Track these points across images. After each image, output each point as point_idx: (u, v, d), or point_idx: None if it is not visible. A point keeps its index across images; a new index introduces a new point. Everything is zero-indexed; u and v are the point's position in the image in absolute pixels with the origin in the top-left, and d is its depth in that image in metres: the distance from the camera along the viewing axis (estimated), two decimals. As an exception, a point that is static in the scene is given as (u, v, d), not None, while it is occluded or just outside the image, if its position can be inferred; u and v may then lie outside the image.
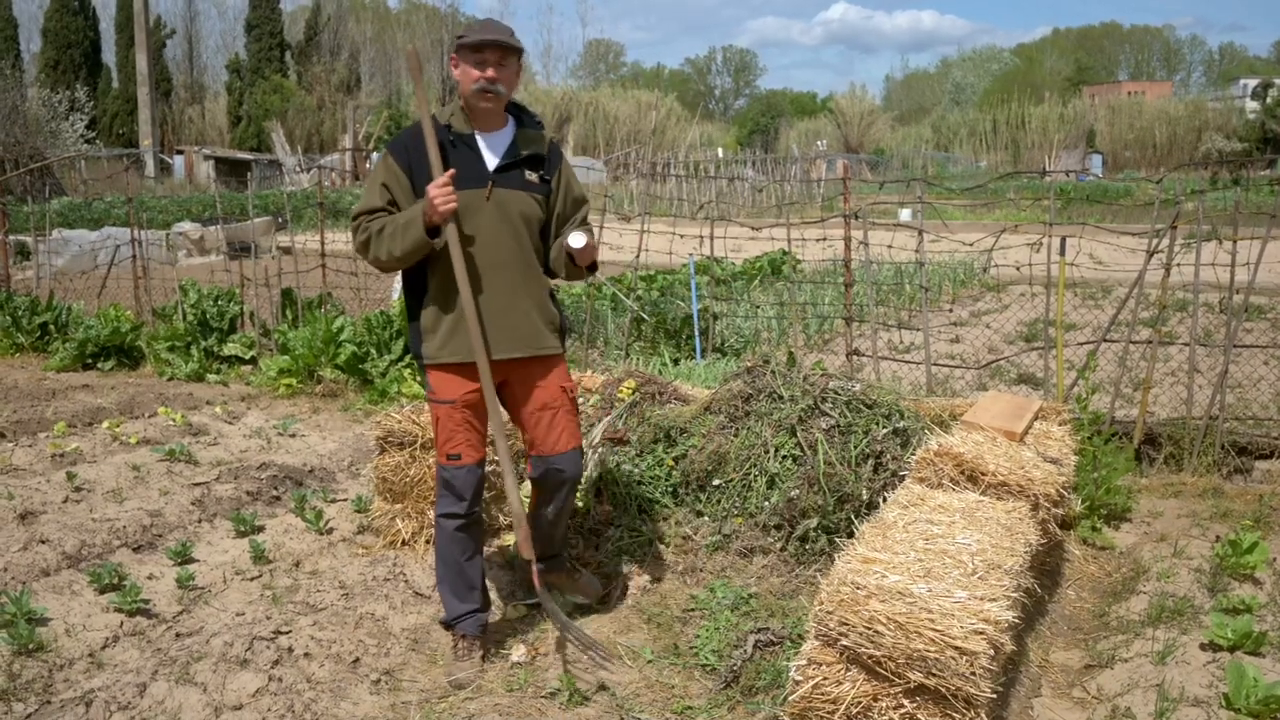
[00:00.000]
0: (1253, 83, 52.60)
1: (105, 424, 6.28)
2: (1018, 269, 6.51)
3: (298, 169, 33.17)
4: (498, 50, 3.25)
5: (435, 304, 3.33)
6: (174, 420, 6.42)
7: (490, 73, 3.24)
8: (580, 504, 4.35)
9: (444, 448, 3.37)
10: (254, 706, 3.17)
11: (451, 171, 3.18)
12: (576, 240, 3.35)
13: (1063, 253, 5.64)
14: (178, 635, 3.64)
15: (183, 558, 4.26)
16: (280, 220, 17.50)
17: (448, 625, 3.53)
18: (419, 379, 3.50)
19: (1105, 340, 6.00)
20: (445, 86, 44.05)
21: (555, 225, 3.49)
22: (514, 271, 3.35)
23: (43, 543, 4.35)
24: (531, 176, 3.39)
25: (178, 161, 39.62)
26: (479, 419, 3.40)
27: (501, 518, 4.49)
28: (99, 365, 8.57)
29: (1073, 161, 42.48)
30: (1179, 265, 5.68)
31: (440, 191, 3.14)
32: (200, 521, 4.76)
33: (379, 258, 3.28)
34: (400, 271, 3.43)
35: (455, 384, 3.32)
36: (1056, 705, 3.23)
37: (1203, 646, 3.35)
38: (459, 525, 3.43)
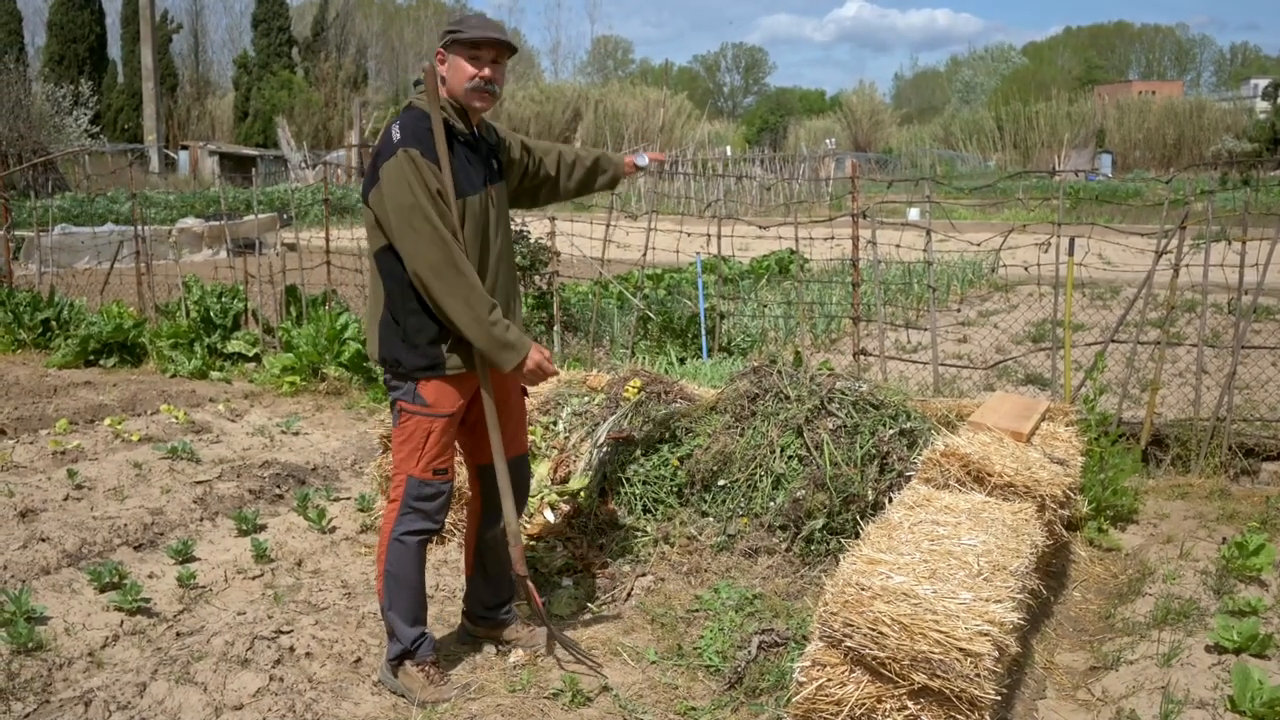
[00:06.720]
0: (1263, 83, 52.10)
1: (107, 421, 6.26)
2: (1026, 269, 6.48)
3: (303, 165, 33.16)
4: (495, 48, 3.05)
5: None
6: (176, 418, 6.41)
7: (487, 71, 3.05)
8: (584, 504, 4.33)
9: (433, 463, 3.13)
10: (255, 706, 3.15)
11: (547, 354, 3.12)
12: (643, 159, 3.67)
13: (1071, 253, 5.61)
14: (178, 634, 3.63)
15: (184, 556, 4.24)
16: (285, 217, 17.46)
17: (404, 656, 3.22)
18: (394, 396, 3.15)
19: (1113, 341, 5.97)
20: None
21: (534, 165, 3.51)
22: (509, 263, 3.29)
23: (43, 540, 4.34)
24: (494, 164, 3.28)
25: (182, 157, 39.60)
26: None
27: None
28: (101, 362, 8.51)
29: (1082, 161, 42.27)
30: (1188, 266, 5.66)
31: (548, 368, 3.10)
32: (202, 520, 4.75)
33: (456, 318, 2.96)
34: (388, 283, 3.10)
35: (454, 395, 3.13)
36: (1061, 707, 3.21)
37: (1208, 649, 3.34)
38: (424, 540, 3.22)
